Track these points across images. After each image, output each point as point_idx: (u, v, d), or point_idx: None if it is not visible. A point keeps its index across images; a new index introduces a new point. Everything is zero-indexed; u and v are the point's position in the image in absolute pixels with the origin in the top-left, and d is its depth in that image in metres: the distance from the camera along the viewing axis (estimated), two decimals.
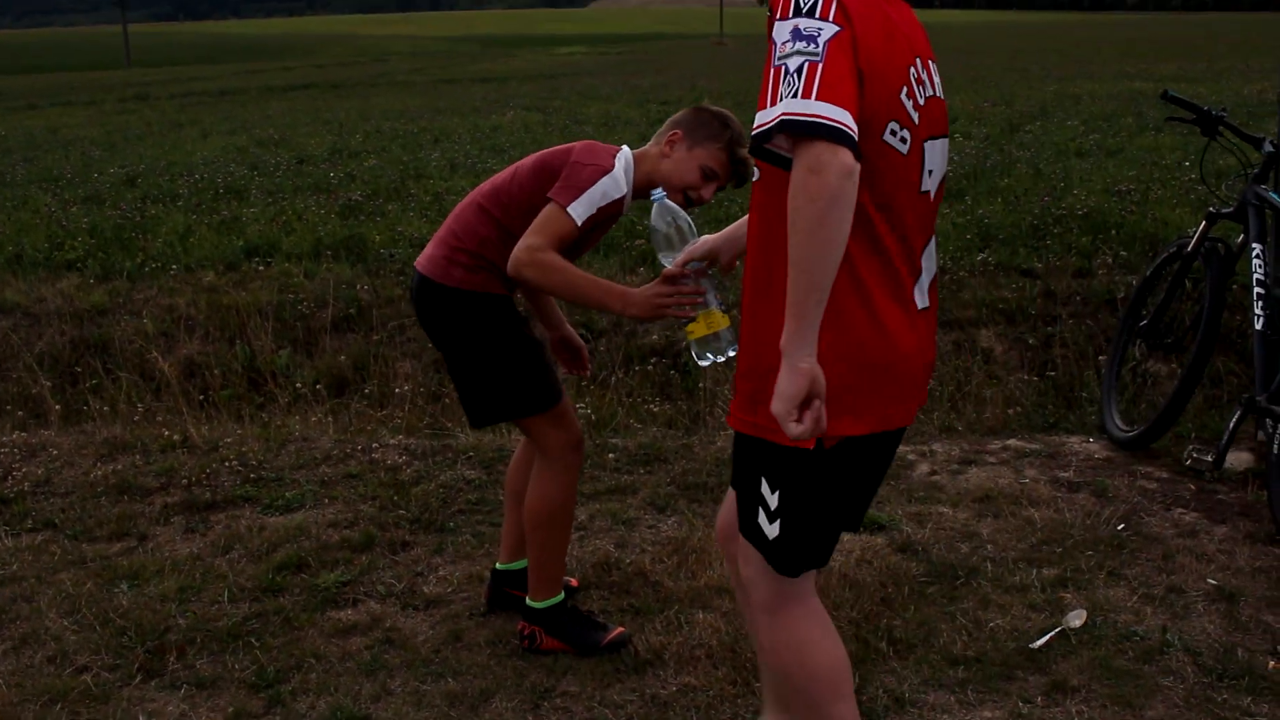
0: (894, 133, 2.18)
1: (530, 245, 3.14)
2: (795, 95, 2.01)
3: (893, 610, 3.76)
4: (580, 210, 3.20)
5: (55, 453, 5.58)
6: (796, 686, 2.52)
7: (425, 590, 4.07)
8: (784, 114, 2.02)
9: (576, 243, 3.33)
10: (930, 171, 2.32)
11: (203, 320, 8.00)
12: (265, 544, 4.47)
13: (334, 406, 6.60)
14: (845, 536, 4.28)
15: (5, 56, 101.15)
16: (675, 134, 3.40)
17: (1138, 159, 11.88)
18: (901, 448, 5.23)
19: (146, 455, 5.55)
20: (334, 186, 13.03)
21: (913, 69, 2.24)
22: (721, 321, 2.93)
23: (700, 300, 2.93)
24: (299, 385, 6.94)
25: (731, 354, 2.88)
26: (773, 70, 2.08)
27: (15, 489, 5.15)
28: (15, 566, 4.39)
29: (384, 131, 19.66)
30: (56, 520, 4.80)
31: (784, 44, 2.08)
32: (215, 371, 7.32)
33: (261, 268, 9.11)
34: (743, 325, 2.38)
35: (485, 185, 3.50)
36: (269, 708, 3.39)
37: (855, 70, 2.06)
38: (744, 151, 3.35)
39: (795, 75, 2.03)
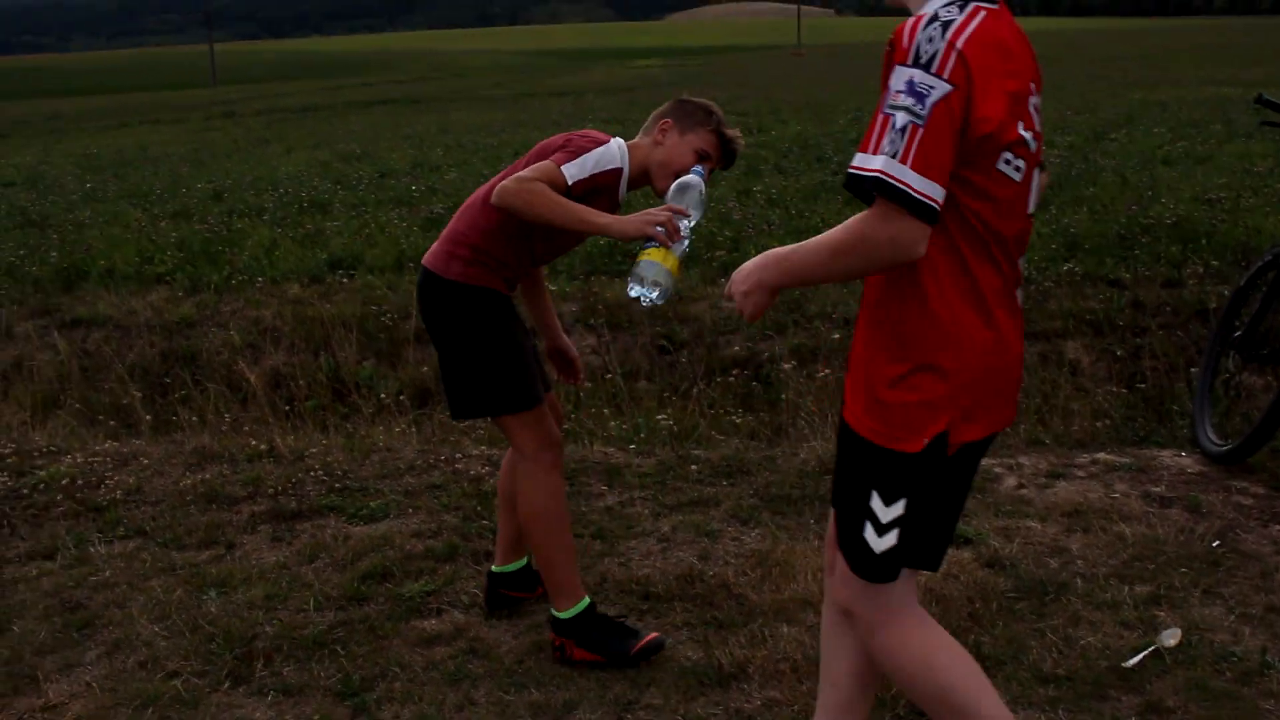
0: (1009, 162, 2.24)
1: (519, 177, 3.28)
2: (895, 155, 2.10)
3: (980, 626, 3.70)
4: (573, 170, 3.33)
5: (146, 462, 5.67)
6: (933, 696, 2.47)
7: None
8: (880, 172, 2.11)
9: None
10: (1034, 191, 2.39)
11: (288, 332, 8.10)
12: (350, 553, 4.51)
13: (417, 417, 6.65)
14: None
15: (97, 76, 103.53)
16: (665, 123, 3.55)
17: (1228, 166, 11.66)
18: (988, 460, 5.16)
19: (234, 465, 5.62)
20: (416, 200, 13.16)
21: (1031, 99, 2.30)
22: (675, 267, 3.19)
23: (677, 239, 3.20)
24: (383, 396, 7.00)
25: (654, 298, 3.16)
26: (881, 116, 2.15)
27: (108, 497, 5.23)
28: (108, 573, 4.46)
29: (464, 145, 19.83)
30: (147, 528, 4.87)
31: (896, 93, 2.14)
32: (300, 382, 7.41)
33: (345, 280, 9.21)
34: (860, 334, 2.45)
35: (487, 184, 3.56)
36: (354, 715, 3.41)
37: (955, 135, 2.13)
38: (732, 133, 3.59)
39: (899, 135, 2.11)
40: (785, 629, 3.73)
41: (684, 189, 3.34)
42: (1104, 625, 3.68)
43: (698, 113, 3.57)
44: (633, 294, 3.19)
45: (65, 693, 3.62)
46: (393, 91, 48.70)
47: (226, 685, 3.60)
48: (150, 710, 3.47)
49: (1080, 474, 4.98)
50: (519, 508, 3.63)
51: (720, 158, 3.60)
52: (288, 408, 7.08)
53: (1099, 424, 5.92)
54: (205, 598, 4.19)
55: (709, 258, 8.79)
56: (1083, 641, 3.58)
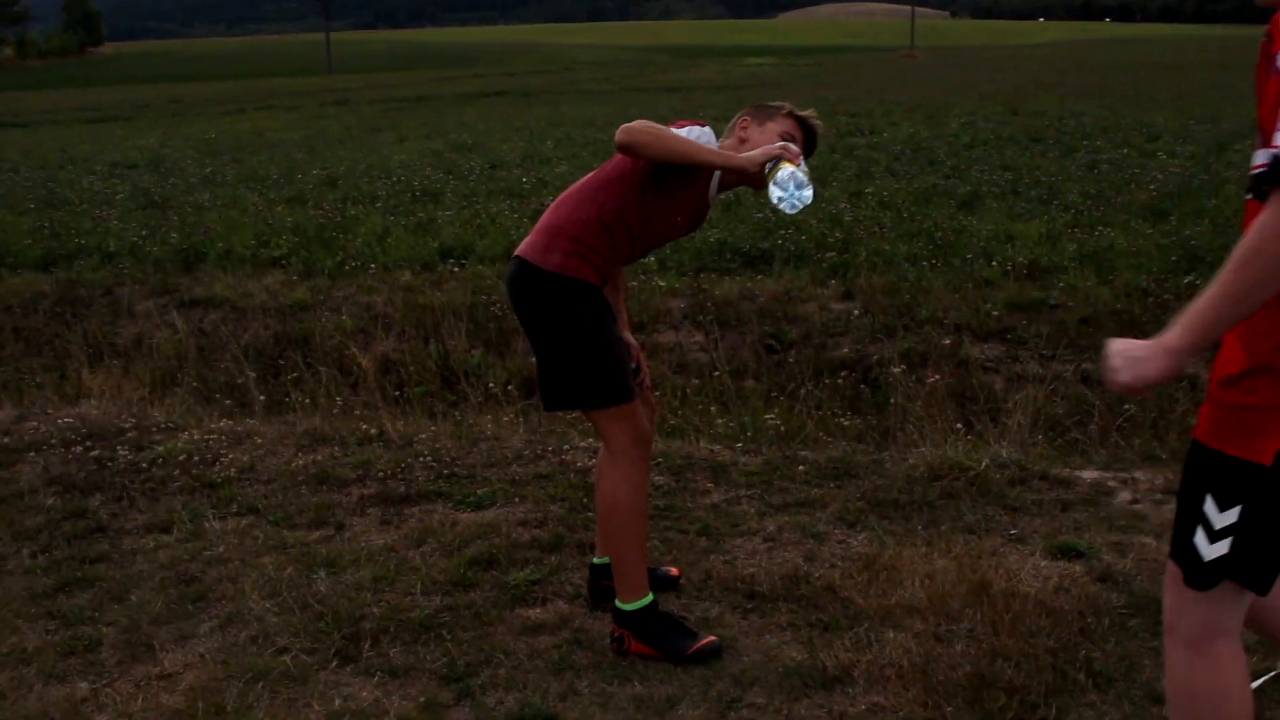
0: None
1: (642, 120, 3.32)
2: None
3: (1092, 641, 3.62)
4: (685, 133, 3.38)
5: (259, 441, 5.79)
6: None
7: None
8: (1266, 164, 2.02)
9: (658, 202, 3.51)
10: None
11: (399, 318, 8.21)
12: (457, 539, 4.55)
13: (524, 407, 6.70)
14: (1041, 562, 4.17)
15: (216, 63, 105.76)
16: (744, 120, 3.66)
17: None
18: (1101, 473, 5.07)
19: (344, 447, 5.71)
20: (526, 192, 13.27)
21: None
22: (807, 173, 3.33)
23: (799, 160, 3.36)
24: (491, 385, 7.07)
25: (805, 196, 3.25)
26: (1274, 106, 2.06)
27: (222, 474, 5.35)
28: (221, 549, 4.56)
29: (574, 139, 19.94)
30: (260, 506, 4.97)
31: None
32: (410, 368, 7.50)
33: (456, 269, 9.31)
34: (1231, 334, 2.29)
35: (583, 178, 3.62)
36: (459, 699, 3.44)
37: None
38: (807, 114, 3.69)
39: None
40: (891, 634, 3.69)
41: (779, 159, 3.36)
42: None
43: (770, 106, 3.70)
44: (774, 198, 3.25)
45: (180, 663, 3.71)
46: (504, 83, 49.11)
47: (334, 664, 3.65)
48: (260, 684, 3.54)
49: None
50: (599, 499, 3.64)
51: (802, 139, 3.65)
52: (397, 393, 7.18)
53: None
54: (315, 577, 4.26)
55: (819, 258, 8.73)
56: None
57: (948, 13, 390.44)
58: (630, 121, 3.40)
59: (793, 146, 3.40)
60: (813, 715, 3.28)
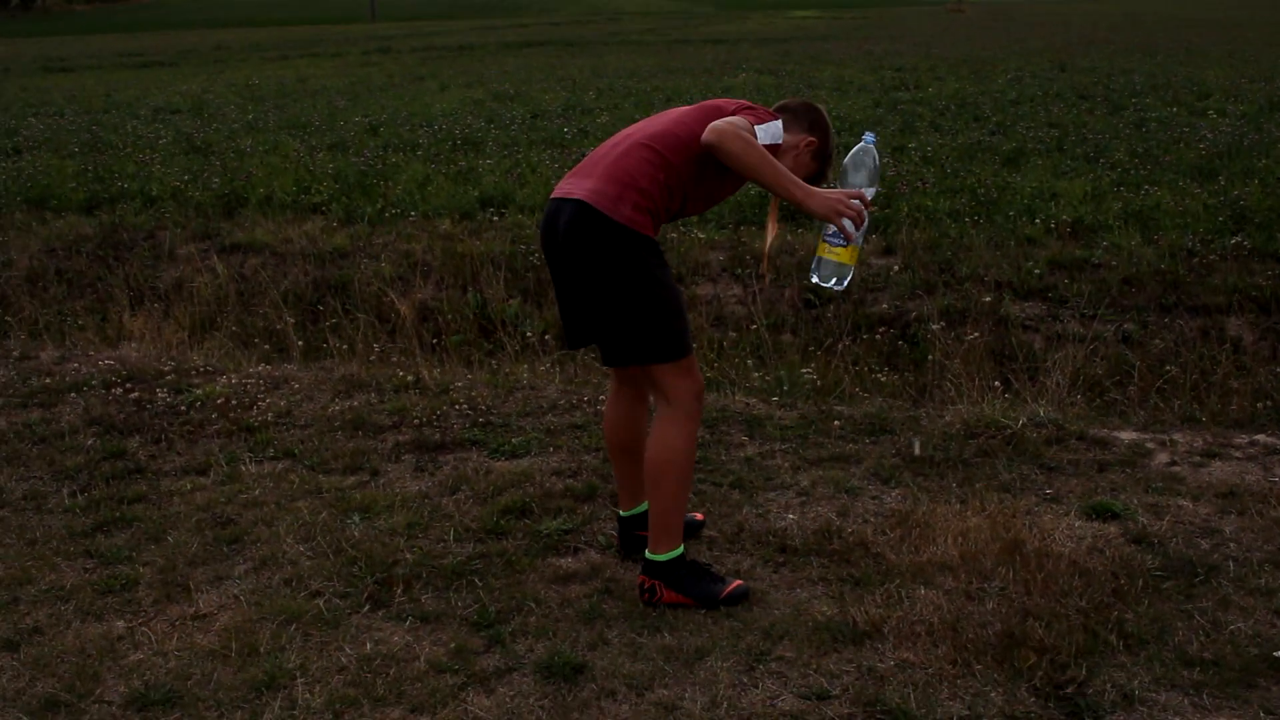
0: None
1: (735, 122, 3.33)
2: None
3: (1124, 603, 3.59)
4: (762, 135, 3.41)
5: (297, 386, 5.81)
6: None
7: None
8: None
9: (723, 182, 3.57)
10: None
11: (437, 266, 8.21)
12: (491, 487, 4.57)
13: (561, 357, 6.70)
14: (1076, 523, 4.13)
15: (262, 10, 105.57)
16: (807, 141, 3.64)
17: None
18: (1140, 435, 5.02)
19: (381, 394, 5.73)
20: (567, 141, 13.21)
21: None
22: (855, 257, 3.46)
23: (861, 229, 3.40)
24: (528, 334, 7.07)
25: (840, 288, 3.53)
26: None
27: (260, 419, 5.38)
28: (258, 492, 4.59)
29: (616, 89, 19.82)
30: (296, 451, 5.00)
31: None
32: (448, 316, 7.51)
33: (495, 218, 9.29)
34: None
35: (647, 129, 3.56)
36: (489, 646, 3.45)
37: None
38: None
39: None
40: (922, 591, 3.67)
41: (859, 164, 3.44)
42: (1256, 612, 3.54)
43: (806, 110, 3.69)
44: (814, 269, 3.45)
45: (214, 604, 3.75)
46: (548, 33, 48.83)
47: (366, 608, 3.68)
48: (294, 626, 3.57)
49: (1237, 455, 4.80)
50: (654, 451, 3.58)
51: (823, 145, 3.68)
52: (435, 341, 7.19)
53: (1260, 405, 5.70)
54: (349, 522, 4.29)
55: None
56: (1232, 627, 3.45)
57: None
58: (720, 109, 3.49)
59: (862, 216, 3.37)
60: (842, 670, 3.28)
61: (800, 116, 3.64)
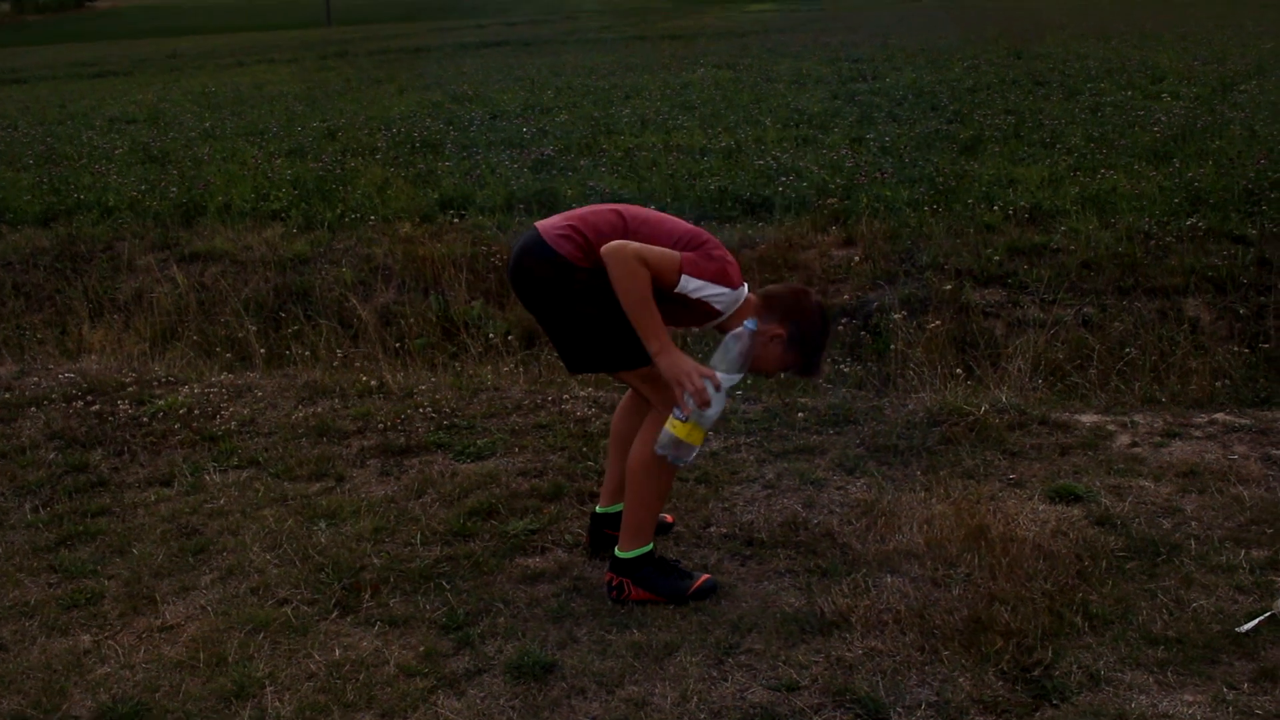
0: None
1: (636, 248, 3.31)
2: None
3: (1089, 585, 3.63)
4: (689, 285, 3.39)
5: (260, 394, 5.79)
6: None
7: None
8: None
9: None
10: None
11: (399, 270, 8.19)
12: (457, 490, 4.56)
13: (524, 358, 6.70)
14: (1039, 506, 4.17)
15: (215, 16, 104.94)
16: (773, 331, 3.55)
17: None
18: (1101, 417, 5.06)
19: (345, 399, 5.71)
20: (526, 142, 13.19)
21: None
22: (699, 441, 3.43)
23: (704, 409, 3.34)
24: (491, 336, 7.06)
25: (680, 465, 3.49)
26: None
27: (223, 428, 5.35)
28: (222, 501, 4.57)
29: (575, 88, 19.81)
30: (260, 459, 4.98)
31: None
32: (410, 320, 7.49)
33: (456, 220, 9.27)
34: None
35: (631, 208, 3.58)
36: (458, 648, 3.45)
37: None
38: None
39: None
40: (889, 579, 3.70)
41: (726, 348, 3.43)
42: (1218, 589, 3.58)
43: (780, 303, 3.62)
44: (659, 452, 3.43)
45: (181, 614, 3.73)
46: (505, 33, 48.70)
47: (335, 614, 3.67)
48: (261, 635, 3.56)
49: (1197, 434, 4.85)
50: (636, 448, 3.61)
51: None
52: (398, 345, 7.17)
53: (1218, 384, 5.76)
54: (315, 528, 4.27)
55: (819, 205, 8.69)
56: (1195, 604, 3.49)
57: None
58: (691, 239, 3.49)
59: (703, 396, 3.32)
60: (810, 660, 3.29)
61: (774, 308, 3.59)
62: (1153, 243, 7.61)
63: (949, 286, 7.15)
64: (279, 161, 12.73)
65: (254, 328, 7.33)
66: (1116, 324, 6.53)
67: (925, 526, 4.00)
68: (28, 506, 4.65)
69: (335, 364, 6.56)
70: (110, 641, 3.61)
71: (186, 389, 5.92)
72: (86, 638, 3.64)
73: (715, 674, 3.25)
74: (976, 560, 3.75)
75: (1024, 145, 11.53)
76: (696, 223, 8.26)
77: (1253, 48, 21.46)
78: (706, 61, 25.32)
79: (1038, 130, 12.44)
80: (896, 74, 20.11)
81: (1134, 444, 4.74)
